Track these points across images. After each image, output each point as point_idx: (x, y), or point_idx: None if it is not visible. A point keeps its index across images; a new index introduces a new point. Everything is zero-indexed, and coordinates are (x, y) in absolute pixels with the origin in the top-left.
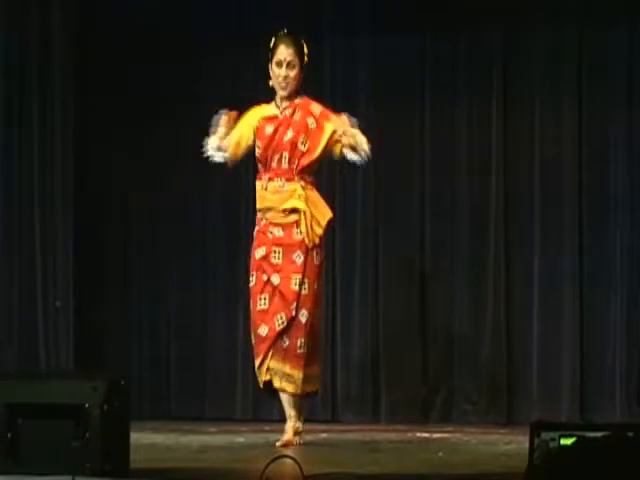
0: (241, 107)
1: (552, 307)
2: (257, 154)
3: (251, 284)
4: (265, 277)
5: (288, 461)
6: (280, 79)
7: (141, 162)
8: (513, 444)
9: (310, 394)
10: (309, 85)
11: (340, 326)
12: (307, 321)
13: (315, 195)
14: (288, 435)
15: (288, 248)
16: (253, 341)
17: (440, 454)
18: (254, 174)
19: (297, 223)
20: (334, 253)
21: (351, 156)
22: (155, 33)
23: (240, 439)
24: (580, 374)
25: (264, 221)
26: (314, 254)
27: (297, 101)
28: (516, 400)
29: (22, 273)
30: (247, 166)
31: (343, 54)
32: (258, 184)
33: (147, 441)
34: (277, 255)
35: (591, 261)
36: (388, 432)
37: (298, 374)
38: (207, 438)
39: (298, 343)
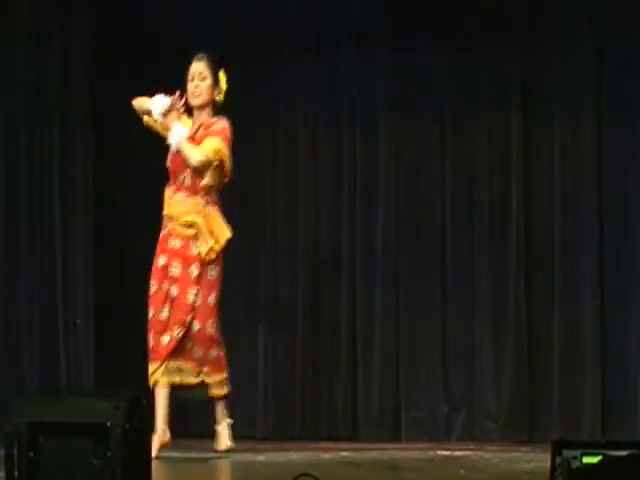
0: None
1: (573, 323)
2: (167, 162)
3: (153, 291)
4: (165, 287)
5: None
6: (191, 90)
7: (152, 167)
8: (534, 462)
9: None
10: (327, 100)
11: (361, 344)
12: (200, 330)
13: (215, 213)
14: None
15: (185, 261)
16: (151, 344)
17: (462, 472)
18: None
19: (196, 237)
20: (354, 269)
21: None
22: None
23: (261, 457)
24: (602, 391)
25: (166, 229)
26: (209, 269)
27: (205, 119)
28: (538, 418)
29: (43, 290)
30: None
31: (360, 68)
32: (167, 191)
33: (168, 459)
34: (176, 266)
35: (612, 274)
36: (409, 450)
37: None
38: (228, 456)
39: (194, 350)
